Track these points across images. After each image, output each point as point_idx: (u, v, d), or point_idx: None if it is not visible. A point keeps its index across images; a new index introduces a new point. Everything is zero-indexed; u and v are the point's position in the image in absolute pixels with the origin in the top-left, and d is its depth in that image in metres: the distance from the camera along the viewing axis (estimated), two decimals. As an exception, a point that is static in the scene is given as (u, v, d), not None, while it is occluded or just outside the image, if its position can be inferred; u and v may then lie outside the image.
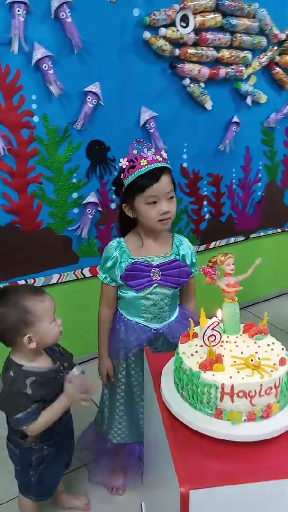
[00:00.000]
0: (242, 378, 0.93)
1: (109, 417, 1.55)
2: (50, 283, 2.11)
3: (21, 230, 1.95)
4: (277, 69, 2.49)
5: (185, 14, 2.01)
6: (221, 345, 1.03)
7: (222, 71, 2.24)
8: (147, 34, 1.96)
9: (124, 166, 1.26)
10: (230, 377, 0.94)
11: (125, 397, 1.51)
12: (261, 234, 2.86)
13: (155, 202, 1.27)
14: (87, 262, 2.20)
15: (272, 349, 1.03)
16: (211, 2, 2.08)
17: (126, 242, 1.37)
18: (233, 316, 1.08)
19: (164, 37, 1.99)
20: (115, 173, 2.11)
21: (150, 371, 1.18)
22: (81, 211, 2.09)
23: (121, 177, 1.28)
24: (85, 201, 2.07)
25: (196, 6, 2.03)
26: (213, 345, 1.00)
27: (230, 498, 0.86)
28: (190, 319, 1.14)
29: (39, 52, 1.73)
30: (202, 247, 2.60)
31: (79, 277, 2.21)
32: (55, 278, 2.12)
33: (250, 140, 2.57)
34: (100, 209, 2.13)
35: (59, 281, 2.13)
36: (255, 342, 1.06)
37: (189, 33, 2.05)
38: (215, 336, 1.01)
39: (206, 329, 1.00)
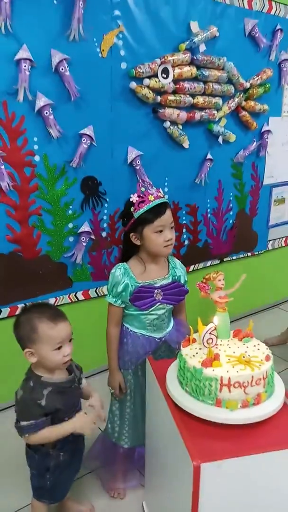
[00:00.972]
0: (237, 372, 1.15)
1: (120, 424, 1.72)
2: (47, 306, 2.27)
3: (22, 257, 2.13)
4: (244, 112, 2.82)
5: (166, 67, 2.31)
6: (216, 347, 1.25)
7: (197, 115, 2.54)
8: (133, 84, 2.24)
9: (134, 201, 1.49)
10: (227, 371, 1.16)
11: (134, 404, 1.69)
12: (234, 257, 3.14)
13: (161, 231, 1.50)
14: (80, 286, 2.39)
15: (258, 349, 1.26)
16: (187, 57, 2.39)
17: (130, 268, 1.58)
18: (224, 323, 1.31)
19: (148, 87, 2.27)
20: (106, 205, 2.34)
21: (155, 374, 1.39)
22: (76, 240, 2.29)
23: (131, 210, 1.50)
24: (79, 230, 2.28)
25: (174, 61, 2.34)
26: (211, 346, 1.22)
27: (234, 469, 1.07)
28: (190, 327, 1.36)
29: (41, 101, 1.97)
30: (182, 271, 2.84)
31: (73, 300, 2.39)
32: (51, 302, 2.29)
33: (222, 174, 2.87)
34: (93, 237, 2.34)
35: (55, 304, 2.30)
36: (244, 344, 1.29)
37: (169, 83, 2.35)
38: (212, 339, 1.23)
39: (205, 333, 1.23)
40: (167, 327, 1.67)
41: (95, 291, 2.46)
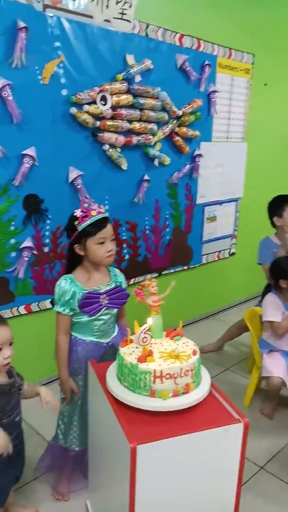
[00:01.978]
0: (168, 365, 1.32)
1: (70, 428, 1.81)
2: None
3: None
4: (177, 137, 3.08)
5: (104, 95, 2.50)
6: (150, 345, 1.41)
7: (134, 139, 2.74)
8: (73, 110, 2.40)
9: (78, 215, 1.64)
10: (159, 365, 1.31)
11: (83, 407, 1.78)
12: (171, 271, 3.35)
13: (103, 243, 1.66)
14: (22, 300, 2.46)
15: (187, 345, 1.44)
16: (124, 86, 2.60)
17: (76, 277, 1.71)
18: (158, 324, 1.47)
19: (87, 112, 2.44)
20: (48, 222, 2.45)
21: (96, 374, 1.51)
22: (18, 255, 2.37)
23: (75, 223, 1.64)
24: (21, 246, 2.37)
25: (112, 89, 2.54)
26: (146, 344, 1.37)
27: (167, 449, 1.22)
28: (128, 329, 1.51)
29: (-15, 123, 2.07)
30: (123, 284, 2.99)
31: (15, 314, 2.45)
32: (-6, 316, 2.33)
33: (158, 194, 3.09)
34: (35, 252, 2.43)
35: (-2, 318, 2.35)
36: (175, 342, 1.45)
37: (107, 109, 2.53)
38: (147, 338, 1.39)
39: (140, 333, 1.38)
40: (113, 332, 1.81)
41: (37, 305, 2.53)
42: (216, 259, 3.76)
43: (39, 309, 2.54)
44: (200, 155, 3.26)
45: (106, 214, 1.71)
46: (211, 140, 3.38)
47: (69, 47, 2.34)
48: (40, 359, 2.45)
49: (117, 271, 1.85)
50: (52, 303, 1.77)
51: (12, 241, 2.34)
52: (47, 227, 2.47)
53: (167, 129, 2.96)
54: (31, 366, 2.15)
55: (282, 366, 2.37)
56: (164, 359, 1.34)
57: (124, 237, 2.94)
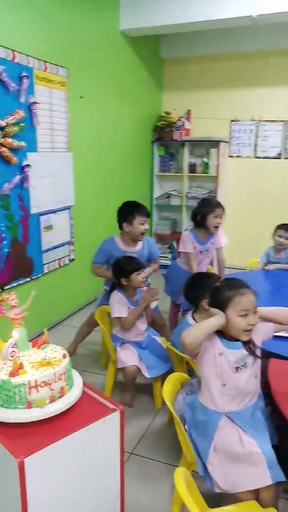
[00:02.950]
0: (41, 373, 1.34)
1: None
2: None
3: None
4: (3, 148, 3.02)
5: None
6: (19, 358, 1.40)
7: None
8: None
9: None
10: (33, 375, 1.32)
11: None
12: (14, 284, 3.27)
13: None
14: None
15: (55, 351, 1.47)
16: None
17: None
18: (23, 336, 1.47)
19: None
20: None
21: None
22: None
23: None
24: None
25: None
26: (15, 358, 1.36)
27: (55, 454, 1.24)
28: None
29: None
30: None
31: None
32: None
33: (-9, 206, 2.98)
34: None
35: None
36: (43, 350, 1.48)
37: None
38: (15, 351, 1.38)
39: (8, 348, 1.36)
40: None
41: None
42: (58, 266, 3.80)
43: None
44: (28, 165, 3.26)
45: None
46: (37, 151, 3.41)
47: None
48: None
49: None
50: None
51: None
52: None
53: (-8, 141, 2.88)
54: None
55: (134, 354, 2.58)
56: (36, 368, 1.36)
57: None
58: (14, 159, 3.11)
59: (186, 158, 5.23)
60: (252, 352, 1.70)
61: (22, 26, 3.11)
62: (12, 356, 1.36)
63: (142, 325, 2.69)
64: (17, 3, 3.06)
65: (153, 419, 2.54)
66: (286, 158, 5.15)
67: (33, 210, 3.41)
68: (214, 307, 1.70)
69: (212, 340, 1.69)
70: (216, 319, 1.65)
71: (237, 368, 1.67)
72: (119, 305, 2.62)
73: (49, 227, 3.63)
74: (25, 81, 3.15)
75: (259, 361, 1.73)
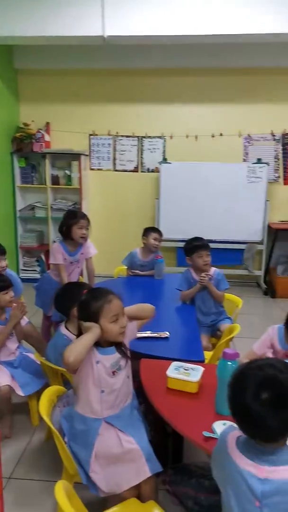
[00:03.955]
0: None
1: None
2: None
3: None
4: None
5: None
6: None
7: None
8: None
9: None
10: None
11: None
12: None
13: None
14: None
15: None
16: None
17: None
18: None
19: None
20: None
21: None
22: None
23: None
24: None
25: None
26: None
27: None
28: None
29: None
30: None
31: None
32: None
33: None
34: None
35: None
36: None
37: None
38: None
39: None
40: None
41: None
42: None
43: None
44: None
45: None
46: None
47: None
48: None
49: None
50: None
51: None
52: None
53: None
54: None
55: (6, 374, 2.47)
56: None
57: None
58: None
59: (48, 170, 5.21)
60: (124, 354, 1.79)
61: None
62: None
63: (12, 344, 2.60)
64: None
65: (31, 437, 2.47)
66: (142, 172, 5.50)
67: None
68: (85, 320, 1.74)
69: (89, 351, 1.73)
70: (93, 333, 1.69)
71: (114, 372, 1.75)
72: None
73: None
74: None
75: (129, 362, 1.83)
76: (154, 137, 5.39)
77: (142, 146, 5.42)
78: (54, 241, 4.89)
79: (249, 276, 5.48)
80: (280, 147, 5.29)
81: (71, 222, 3.22)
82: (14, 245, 5.33)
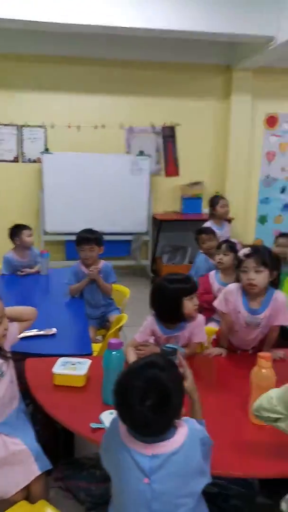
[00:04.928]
0: None
1: None
2: None
3: None
4: None
5: None
6: None
7: None
8: None
9: None
10: None
11: None
12: None
13: None
14: None
15: None
16: None
17: None
18: None
19: None
20: None
21: None
22: None
23: None
24: None
25: None
26: None
27: None
28: None
29: None
30: None
31: None
32: None
33: None
34: None
35: None
36: None
37: None
38: None
39: None
40: None
41: None
42: None
43: None
44: None
45: None
46: None
47: None
48: None
49: None
50: None
51: None
52: None
53: None
54: None
55: None
56: None
57: None
58: None
59: None
60: (5, 358, 1.71)
61: None
62: None
63: None
64: None
65: None
66: (23, 162, 5.28)
67: None
68: None
69: None
70: None
71: None
72: None
73: None
74: None
75: (12, 365, 1.76)
76: (34, 126, 5.21)
77: (22, 135, 5.20)
78: None
79: (137, 266, 5.64)
80: (160, 139, 5.50)
81: None
82: None
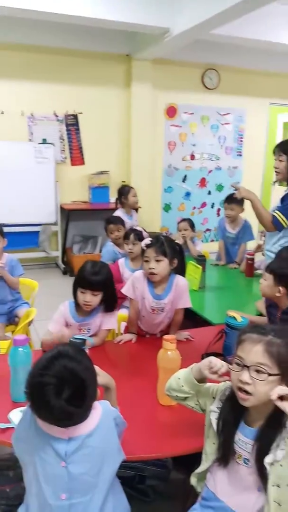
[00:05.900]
0: None
1: None
2: None
3: None
4: None
5: None
6: None
7: None
8: None
9: None
10: None
11: None
12: None
13: None
14: None
15: None
16: None
17: None
18: None
19: None
20: None
21: None
22: None
23: None
24: None
25: None
26: None
27: None
28: None
29: None
30: None
31: None
32: None
33: None
34: None
35: None
36: None
37: None
38: None
39: None
40: None
41: None
42: None
43: None
44: None
45: None
46: None
47: None
48: None
49: None
50: None
51: None
52: None
53: None
54: None
55: None
56: None
57: None
58: None
59: None
60: None
61: None
62: None
63: None
64: None
65: None
66: None
67: None
68: None
69: None
70: None
71: None
72: None
73: None
74: None
75: None
76: None
77: None
78: None
79: (47, 257, 5.50)
80: (64, 127, 5.38)
81: None
82: None
